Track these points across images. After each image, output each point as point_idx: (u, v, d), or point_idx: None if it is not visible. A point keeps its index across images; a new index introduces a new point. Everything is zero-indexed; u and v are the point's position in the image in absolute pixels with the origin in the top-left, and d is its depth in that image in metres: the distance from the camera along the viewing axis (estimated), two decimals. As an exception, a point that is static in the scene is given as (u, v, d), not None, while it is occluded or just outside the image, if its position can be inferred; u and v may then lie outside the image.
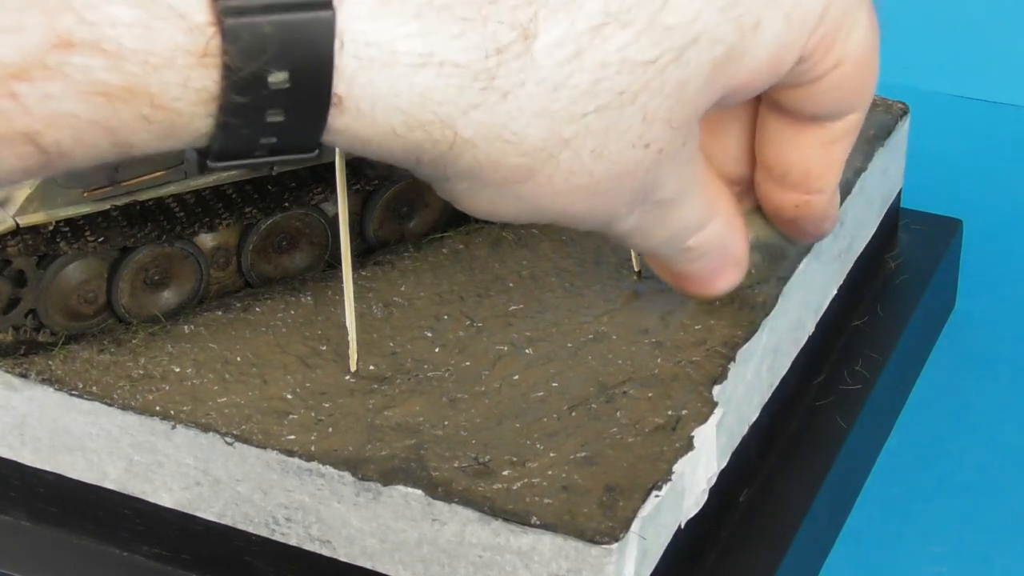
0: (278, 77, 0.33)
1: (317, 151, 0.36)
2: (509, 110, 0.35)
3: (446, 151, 0.36)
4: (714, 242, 0.44)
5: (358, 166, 0.55)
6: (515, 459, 0.47)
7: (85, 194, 0.50)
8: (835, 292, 0.60)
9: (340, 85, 0.34)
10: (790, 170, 0.44)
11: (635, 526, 0.44)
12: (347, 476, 0.47)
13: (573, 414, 0.49)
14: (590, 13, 0.35)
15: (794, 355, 0.57)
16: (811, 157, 0.44)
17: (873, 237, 0.64)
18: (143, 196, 0.51)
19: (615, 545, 0.44)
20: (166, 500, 0.51)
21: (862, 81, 0.41)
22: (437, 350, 0.52)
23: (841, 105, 0.42)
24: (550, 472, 0.46)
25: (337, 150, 0.48)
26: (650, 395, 0.49)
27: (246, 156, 0.35)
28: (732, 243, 0.44)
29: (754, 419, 0.53)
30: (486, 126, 0.35)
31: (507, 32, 0.34)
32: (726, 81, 0.38)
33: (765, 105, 0.44)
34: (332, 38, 0.33)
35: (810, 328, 0.58)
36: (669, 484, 0.46)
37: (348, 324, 0.50)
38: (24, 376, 0.51)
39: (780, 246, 0.51)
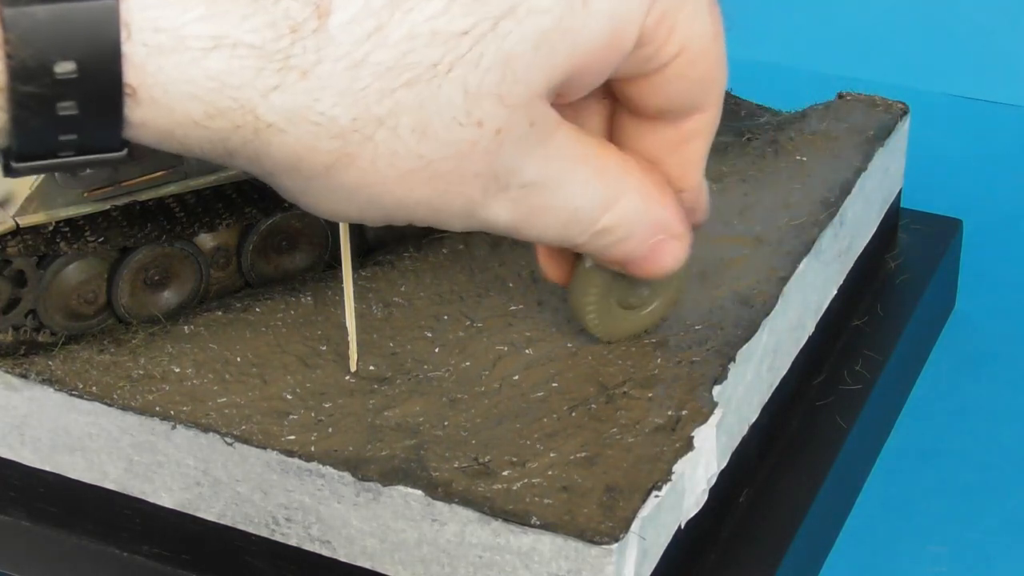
0: (65, 67, 0.33)
1: (125, 150, 0.35)
2: (310, 90, 0.34)
3: (252, 138, 0.35)
4: (634, 219, 0.43)
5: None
6: (515, 459, 0.47)
7: (85, 194, 0.50)
8: (835, 292, 0.60)
9: (132, 75, 0.34)
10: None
11: (635, 526, 0.44)
12: (347, 476, 0.47)
13: (573, 414, 0.49)
14: None
15: (794, 355, 0.57)
16: (667, 159, 0.43)
17: (873, 237, 0.64)
18: (143, 196, 0.51)
19: (615, 545, 0.44)
20: (166, 500, 0.51)
21: (707, 73, 0.41)
22: (437, 350, 0.52)
23: (688, 98, 0.41)
24: (550, 472, 0.46)
25: None
26: (650, 395, 0.49)
27: (49, 156, 0.35)
28: (659, 215, 0.43)
29: (754, 419, 0.53)
30: (289, 109, 0.35)
31: (300, 9, 0.34)
32: (564, 59, 0.37)
33: (618, 107, 0.43)
34: (117, 26, 0.33)
35: (810, 328, 0.58)
36: (669, 484, 0.46)
37: (348, 324, 0.50)
38: (24, 376, 0.51)
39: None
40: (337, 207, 0.38)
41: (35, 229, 0.49)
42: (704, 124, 0.43)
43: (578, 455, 0.47)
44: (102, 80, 0.33)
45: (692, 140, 0.43)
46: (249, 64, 0.34)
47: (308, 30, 0.34)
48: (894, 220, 0.68)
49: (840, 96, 0.67)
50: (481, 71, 0.36)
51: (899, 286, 0.66)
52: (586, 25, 0.37)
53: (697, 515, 0.49)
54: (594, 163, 0.41)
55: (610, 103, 0.44)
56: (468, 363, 0.51)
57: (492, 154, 0.37)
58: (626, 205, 0.42)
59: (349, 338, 0.50)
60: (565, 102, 0.40)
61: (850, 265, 0.62)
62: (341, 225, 0.50)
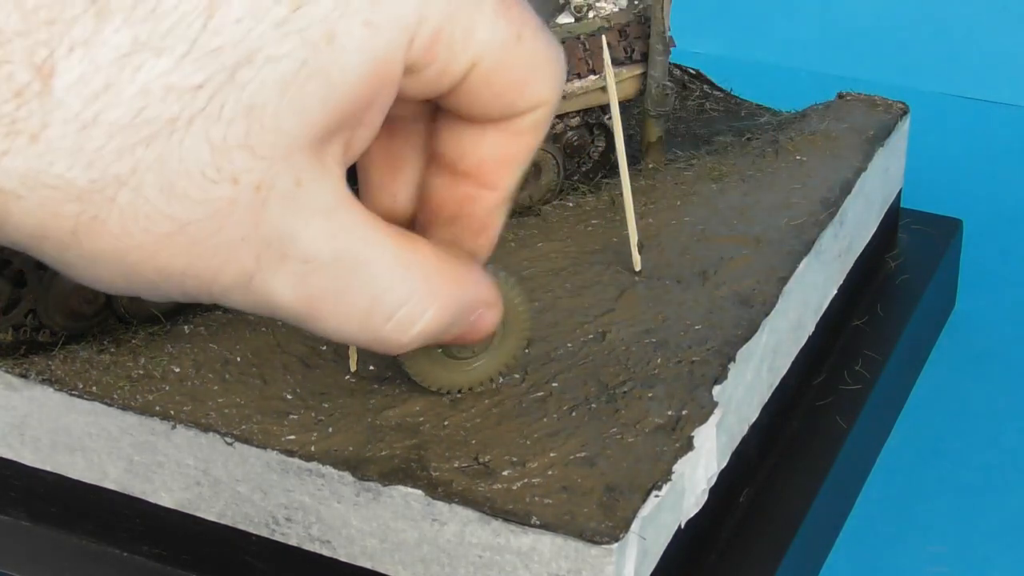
0: None
1: None
2: (42, 153, 0.33)
3: None
4: (453, 312, 0.40)
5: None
6: (515, 459, 0.47)
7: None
8: (835, 292, 0.60)
9: None
10: (464, 155, 0.41)
11: (635, 526, 0.44)
12: (347, 476, 0.47)
13: (573, 414, 0.49)
14: (117, 44, 0.33)
15: (794, 355, 0.57)
16: (489, 145, 0.40)
17: (873, 237, 0.64)
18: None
19: (615, 545, 0.44)
20: (166, 500, 0.51)
21: (516, 76, 0.39)
22: (437, 350, 0.52)
23: (505, 103, 0.39)
24: (550, 472, 0.46)
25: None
26: (650, 395, 0.49)
27: None
28: (478, 296, 0.42)
29: (754, 419, 0.53)
30: (23, 174, 0.33)
31: (23, 73, 0.33)
32: (319, 102, 0.35)
33: (446, 112, 0.41)
34: None
35: (810, 328, 0.58)
36: (669, 484, 0.46)
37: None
38: (24, 376, 0.51)
39: (513, 307, 0.47)
40: (103, 277, 0.36)
41: (35, 229, 0.49)
42: (536, 120, 0.40)
43: (578, 455, 0.47)
44: None
45: (522, 135, 0.41)
46: None
47: (32, 93, 0.33)
48: (894, 220, 0.68)
49: (840, 96, 0.67)
50: (224, 123, 0.34)
51: (899, 286, 0.66)
52: (337, 64, 0.35)
53: (697, 515, 0.49)
54: (399, 253, 0.38)
55: (425, 125, 0.42)
56: (468, 363, 0.51)
57: (256, 214, 0.35)
58: (446, 300, 0.40)
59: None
60: (353, 155, 0.38)
61: (850, 265, 0.62)
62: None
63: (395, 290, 0.38)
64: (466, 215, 0.42)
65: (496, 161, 0.41)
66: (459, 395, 0.49)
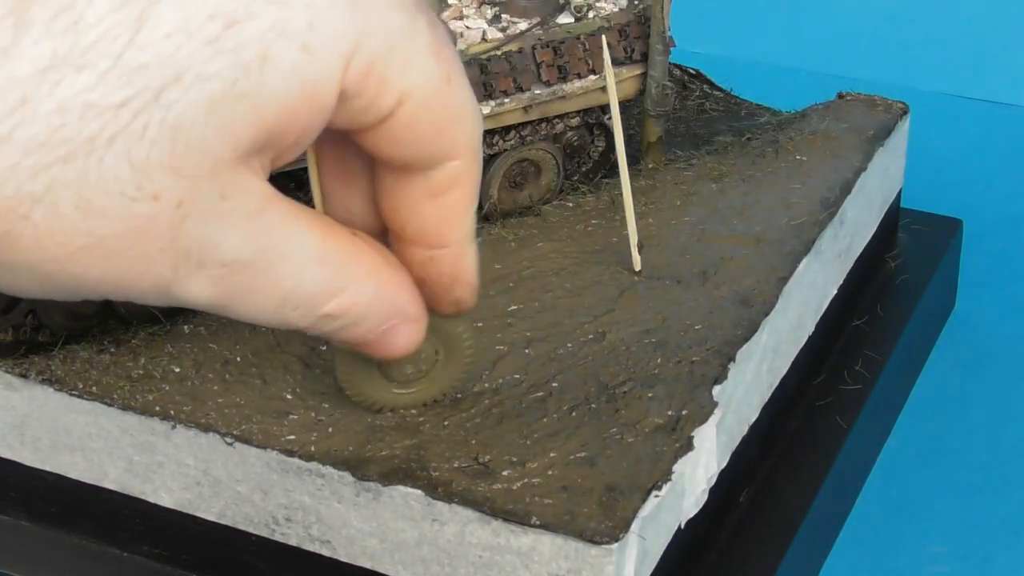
0: None
1: None
2: None
3: None
4: (363, 307, 0.40)
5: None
6: (515, 459, 0.47)
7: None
8: (835, 292, 0.60)
9: None
10: (406, 224, 0.41)
11: (635, 526, 0.44)
12: (347, 476, 0.47)
13: (573, 414, 0.49)
14: (35, 58, 0.33)
15: (794, 355, 0.57)
16: (423, 211, 0.40)
17: (873, 237, 0.64)
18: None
19: (615, 545, 0.44)
20: (166, 500, 0.51)
21: (440, 121, 0.38)
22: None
23: (427, 148, 0.39)
24: (550, 472, 0.46)
25: None
26: (650, 395, 0.49)
27: None
28: (392, 301, 0.41)
29: (754, 419, 0.53)
30: None
31: None
32: (247, 124, 0.35)
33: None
34: None
35: (810, 328, 0.58)
36: (669, 484, 0.46)
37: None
38: (24, 376, 0.51)
39: (454, 333, 0.47)
40: (19, 284, 0.35)
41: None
42: (458, 173, 0.40)
43: (578, 455, 0.47)
44: None
45: (448, 191, 0.40)
46: None
47: None
48: (894, 220, 0.68)
49: (840, 96, 0.67)
50: (147, 143, 0.34)
51: (899, 286, 0.66)
52: (267, 86, 0.34)
53: (697, 515, 0.49)
54: (315, 245, 0.38)
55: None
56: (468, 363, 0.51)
57: (176, 228, 0.35)
58: (355, 292, 0.40)
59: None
60: (282, 163, 0.37)
61: (850, 265, 0.62)
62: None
63: (307, 282, 0.38)
64: (432, 276, 0.42)
65: (435, 223, 0.41)
66: (459, 396, 0.49)
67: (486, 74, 0.56)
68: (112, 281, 0.35)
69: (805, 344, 0.58)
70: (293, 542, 0.49)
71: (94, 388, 0.50)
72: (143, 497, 0.51)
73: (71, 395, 0.50)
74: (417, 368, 0.47)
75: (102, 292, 0.36)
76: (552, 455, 0.47)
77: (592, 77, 0.59)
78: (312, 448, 0.47)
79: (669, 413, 0.48)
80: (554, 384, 0.50)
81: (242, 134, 0.35)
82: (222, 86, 0.34)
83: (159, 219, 0.34)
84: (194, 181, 0.34)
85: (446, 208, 0.40)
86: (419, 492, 0.46)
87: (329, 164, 0.42)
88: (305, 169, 0.53)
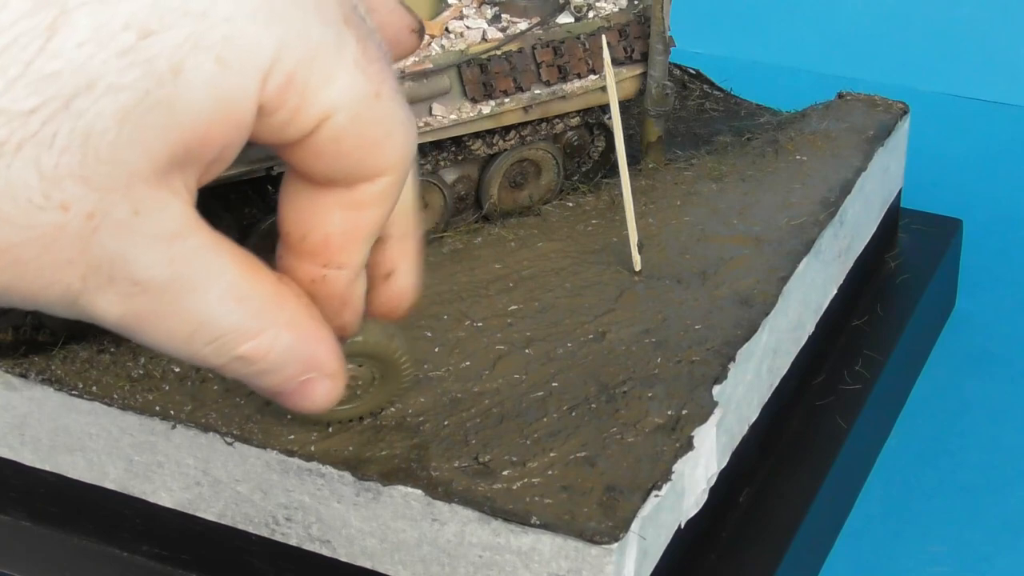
0: None
1: None
2: None
3: None
4: (279, 356, 0.38)
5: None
6: (515, 459, 0.47)
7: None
8: (835, 292, 0.60)
9: None
10: (309, 232, 0.39)
11: (635, 526, 0.44)
12: (347, 476, 0.47)
13: (573, 414, 0.49)
14: None
15: (794, 355, 0.57)
16: (332, 221, 0.39)
17: (873, 237, 0.64)
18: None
19: (615, 545, 0.44)
20: (166, 500, 0.51)
21: (370, 136, 0.37)
22: (437, 350, 0.52)
23: (353, 165, 0.37)
24: (550, 472, 0.46)
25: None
26: (650, 395, 0.49)
27: None
28: (311, 354, 0.39)
29: (754, 419, 0.53)
30: None
31: None
32: (161, 136, 0.34)
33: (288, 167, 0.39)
34: None
35: (810, 328, 0.58)
36: (669, 484, 0.46)
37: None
38: (24, 376, 0.51)
39: (390, 359, 0.46)
40: None
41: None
42: (382, 191, 0.38)
43: (578, 455, 0.47)
44: None
45: (367, 208, 0.39)
46: None
47: None
48: (894, 220, 0.68)
49: (840, 96, 0.67)
50: (56, 151, 0.33)
51: (899, 286, 0.66)
52: (182, 98, 0.34)
53: (697, 515, 0.49)
54: (235, 281, 0.37)
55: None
56: (468, 363, 0.51)
57: (85, 240, 0.34)
58: (273, 338, 0.38)
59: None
60: (209, 179, 0.37)
61: (850, 265, 0.62)
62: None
63: (222, 319, 0.37)
64: (322, 296, 0.40)
65: (341, 237, 0.39)
66: (459, 396, 0.49)
67: (486, 74, 0.56)
68: (18, 289, 0.35)
69: (805, 344, 0.58)
70: (293, 542, 0.49)
71: (94, 388, 0.50)
72: (143, 497, 0.51)
73: (71, 395, 0.50)
74: (353, 391, 0.47)
75: (8, 301, 0.35)
76: (552, 455, 0.47)
77: (592, 77, 0.59)
78: (312, 448, 0.47)
79: (669, 413, 0.48)
80: (554, 384, 0.50)
81: (156, 147, 0.34)
82: (134, 97, 0.33)
83: (68, 229, 0.34)
84: (106, 193, 0.34)
85: (358, 223, 0.39)
86: (419, 492, 0.46)
87: None
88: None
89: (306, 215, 0.39)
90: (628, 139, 0.57)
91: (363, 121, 0.36)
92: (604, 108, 0.60)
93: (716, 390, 0.49)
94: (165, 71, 0.33)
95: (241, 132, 0.35)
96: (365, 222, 0.39)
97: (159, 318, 0.36)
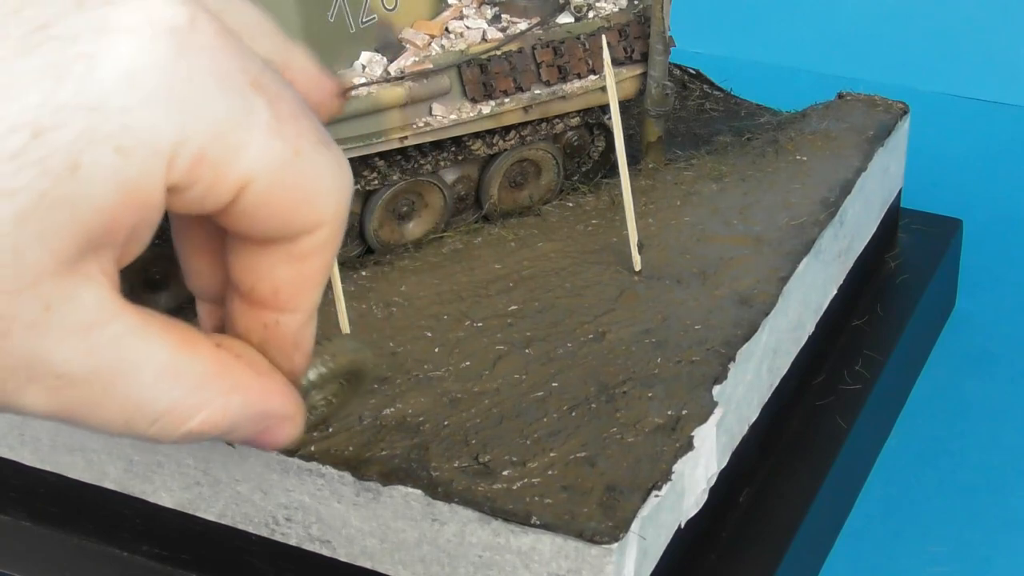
0: None
1: None
2: None
3: None
4: (234, 420, 0.38)
5: (358, 167, 0.55)
6: (515, 459, 0.47)
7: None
8: (835, 292, 0.60)
9: None
10: (257, 284, 0.38)
11: (635, 526, 0.44)
12: (347, 476, 0.47)
13: (573, 414, 0.49)
14: None
15: (794, 355, 0.57)
16: (279, 274, 0.38)
17: (873, 237, 0.64)
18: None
19: (615, 545, 0.44)
20: (166, 500, 0.51)
21: (296, 194, 0.36)
22: (437, 350, 0.52)
23: (284, 224, 0.37)
24: (550, 472, 0.46)
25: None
26: (650, 395, 0.49)
27: None
28: (267, 408, 0.39)
29: (754, 419, 0.53)
30: None
31: None
32: (63, 232, 0.33)
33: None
34: None
35: (810, 328, 0.58)
36: (669, 484, 0.46)
37: (341, 324, 0.50)
38: (24, 376, 0.51)
39: (357, 369, 0.44)
40: None
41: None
42: (320, 241, 0.38)
43: (578, 455, 0.47)
44: None
45: (309, 258, 0.38)
46: None
47: None
48: (894, 220, 0.68)
49: (840, 96, 0.67)
50: None
51: (899, 286, 0.66)
52: (83, 193, 0.33)
53: (697, 515, 0.49)
54: (168, 360, 0.36)
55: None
56: (468, 363, 0.51)
57: (3, 342, 0.34)
58: (221, 406, 0.38)
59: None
60: (130, 259, 0.36)
61: (850, 265, 0.62)
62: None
63: (160, 398, 0.36)
64: (273, 340, 0.40)
65: (291, 287, 0.38)
66: (459, 396, 0.49)
67: (486, 74, 0.56)
68: None
69: (805, 344, 0.58)
70: (293, 542, 0.49)
71: (94, 388, 0.50)
72: (143, 497, 0.51)
73: (71, 395, 0.50)
74: (326, 400, 0.45)
75: None
76: (552, 455, 0.47)
77: (592, 77, 0.59)
78: (312, 448, 0.47)
79: (669, 413, 0.48)
80: (554, 384, 0.50)
81: (60, 243, 0.33)
82: (30, 198, 0.32)
83: None
84: (12, 296, 0.33)
85: (304, 272, 0.38)
86: (419, 492, 0.46)
87: (176, 232, 0.40)
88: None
89: (252, 268, 0.38)
90: (628, 139, 0.57)
91: (285, 182, 0.36)
92: (604, 108, 0.60)
93: (716, 390, 0.49)
94: (62, 169, 0.33)
95: (152, 212, 0.35)
96: (311, 271, 0.38)
97: (92, 407, 0.36)
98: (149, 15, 0.34)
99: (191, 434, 0.37)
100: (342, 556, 0.48)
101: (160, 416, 0.36)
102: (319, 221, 0.37)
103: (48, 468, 0.52)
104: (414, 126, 0.55)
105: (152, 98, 0.34)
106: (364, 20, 0.55)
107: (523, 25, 0.58)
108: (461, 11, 0.58)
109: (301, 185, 0.36)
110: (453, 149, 0.57)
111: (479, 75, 0.56)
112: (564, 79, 0.58)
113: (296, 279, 0.38)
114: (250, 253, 0.38)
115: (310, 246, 0.37)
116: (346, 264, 0.56)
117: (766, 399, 0.54)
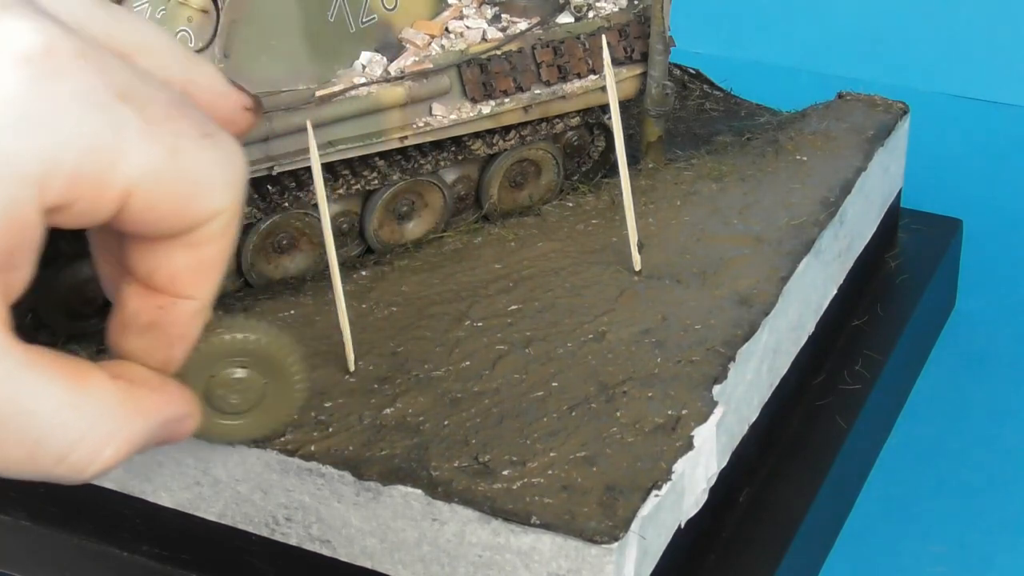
0: None
1: None
2: None
3: None
4: (143, 439, 0.38)
5: (358, 166, 0.55)
6: (515, 459, 0.47)
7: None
8: (835, 292, 0.60)
9: None
10: (155, 271, 0.38)
11: (635, 526, 0.44)
12: (347, 476, 0.47)
13: (573, 414, 0.49)
14: None
15: (794, 355, 0.57)
16: (177, 261, 0.38)
17: (873, 237, 0.64)
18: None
19: (615, 545, 0.44)
20: (166, 500, 0.51)
21: (182, 192, 0.36)
22: (437, 350, 0.52)
23: (176, 221, 0.37)
24: (550, 472, 0.46)
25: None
26: (650, 395, 0.49)
27: None
28: (168, 417, 0.39)
29: (754, 419, 0.53)
30: None
31: None
32: None
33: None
34: None
35: (810, 328, 0.58)
36: (669, 484, 0.46)
37: (341, 324, 0.50)
38: (24, 376, 0.51)
39: (267, 353, 0.42)
40: None
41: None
42: (216, 230, 0.37)
43: (578, 455, 0.47)
44: None
45: (205, 244, 0.38)
46: None
47: None
48: (894, 220, 0.68)
49: (840, 96, 0.67)
50: None
51: (899, 286, 0.66)
52: None
53: (697, 515, 0.49)
54: (63, 395, 0.36)
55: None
56: (468, 362, 0.51)
57: None
58: (128, 434, 0.37)
59: (344, 338, 0.50)
60: (22, 282, 0.36)
61: (850, 265, 0.62)
62: (325, 229, 0.50)
63: (63, 434, 0.36)
64: (163, 324, 0.39)
65: (189, 273, 0.38)
66: (460, 395, 0.49)
67: (486, 74, 0.56)
68: None
69: (805, 344, 0.58)
70: (293, 542, 0.49)
71: (94, 388, 0.50)
72: (143, 497, 0.51)
73: (71, 395, 0.50)
74: (244, 398, 0.43)
75: None
76: (552, 455, 0.47)
77: (592, 77, 0.59)
78: (312, 448, 0.47)
79: (669, 413, 0.48)
80: (554, 384, 0.50)
81: None
82: None
83: None
84: None
85: (203, 260, 0.38)
86: (419, 492, 0.46)
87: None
88: (305, 170, 0.53)
89: (150, 257, 0.38)
90: (628, 139, 0.57)
91: (168, 182, 0.36)
92: (604, 108, 0.60)
93: (716, 390, 0.49)
94: None
95: (27, 235, 0.34)
96: (209, 258, 0.38)
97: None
98: (1, 48, 0.34)
99: (104, 469, 0.37)
100: (342, 556, 0.48)
101: (68, 452, 0.36)
102: (212, 212, 0.37)
103: (48, 468, 0.52)
104: (414, 126, 0.55)
105: (14, 126, 0.34)
106: (364, 20, 0.55)
107: (523, 25, 0.58)
108: (461, 11, 0.58)
109: (186, 181, 0.36)
110: (453, 149, 0.57)
111: (479, 75, 0.56)
112: (564, 79, 0.58)
113: (194, 266, 0.38)
114: (147, 247, 0.38)
115: (206, 235, 0.37)
116: (346, 264, 0.56)
117: (766, 399, 0.54)
